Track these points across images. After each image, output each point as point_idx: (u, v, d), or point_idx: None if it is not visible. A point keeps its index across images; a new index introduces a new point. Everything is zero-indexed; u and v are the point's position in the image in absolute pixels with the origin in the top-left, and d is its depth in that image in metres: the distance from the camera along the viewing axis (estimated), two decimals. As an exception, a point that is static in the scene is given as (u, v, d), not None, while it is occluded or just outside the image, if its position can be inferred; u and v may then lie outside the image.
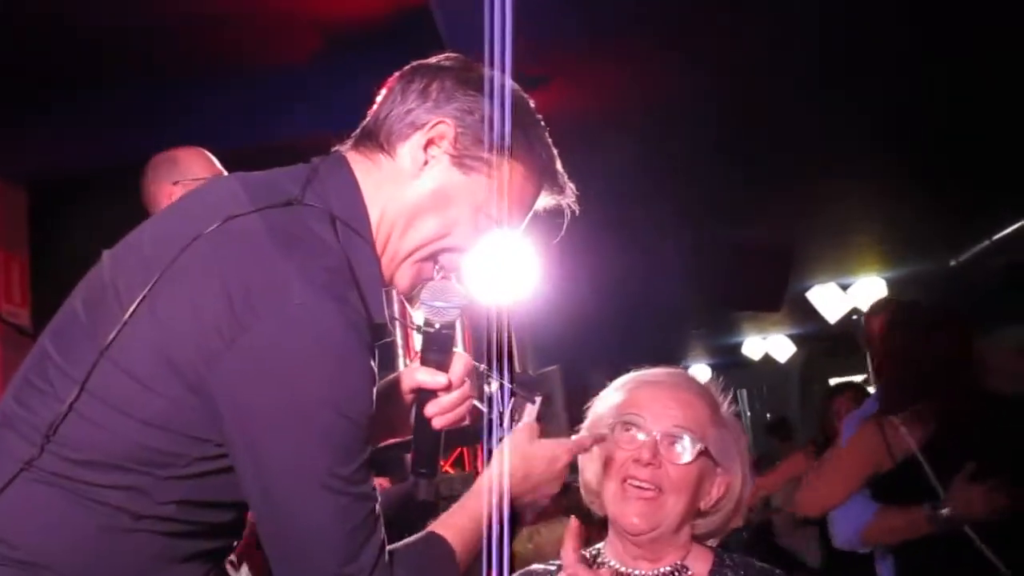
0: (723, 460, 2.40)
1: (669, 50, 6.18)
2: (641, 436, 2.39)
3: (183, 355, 1.69)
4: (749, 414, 19.89)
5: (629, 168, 7.35)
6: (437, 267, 1.95)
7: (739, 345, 17.13)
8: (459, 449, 6.66)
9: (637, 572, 2.38)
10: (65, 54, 5.75)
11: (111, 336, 1.73)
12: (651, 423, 2.38)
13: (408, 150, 1.87)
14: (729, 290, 10.39)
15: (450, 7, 5.66)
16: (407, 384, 2.05)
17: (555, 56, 6.07)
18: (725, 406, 2.51)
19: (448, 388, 1.99)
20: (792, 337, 16.80)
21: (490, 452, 2.50)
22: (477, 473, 2.46)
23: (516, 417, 2.19)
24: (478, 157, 1.85)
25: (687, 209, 8.90)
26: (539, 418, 2.22)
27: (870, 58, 6.32)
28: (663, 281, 10.18)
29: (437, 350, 1.94)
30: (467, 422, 2.03)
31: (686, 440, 2.35)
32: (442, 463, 7.00)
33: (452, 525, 1.90)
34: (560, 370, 5.97)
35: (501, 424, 2.29)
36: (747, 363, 17.60)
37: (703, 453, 2.36)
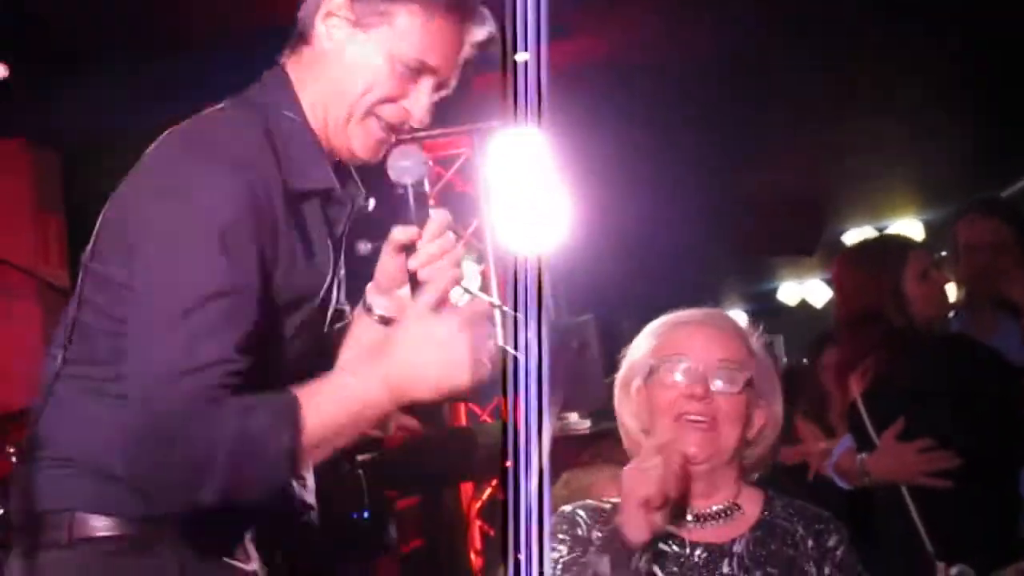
0: (764, 390, 2.49)
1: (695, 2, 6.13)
2: (687, 374, 2.45)
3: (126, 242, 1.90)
4: (785, 360, 19.85)
5: (658, 116, 7.32)
6: (383, 124, 2.02)
7: (774, 291, 17.04)
8: (497, 399, 6.69)
9: (691, 510, 2.46)
10: (98, 17, 5.76)
11: (90, 244, 1.99)
12: (696, 359, 2.45)
13: (317, 31, 2.00)
14: (763, 235, 10.34)
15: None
16: (391, 245, 2.09)
17: (576, 5, 6.03)
18: (755, 339, 2.53)
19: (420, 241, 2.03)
20: (829, 282, 16.69)
21: (526, 401, 2.51)
22: (516, 423, 2.48)
23: (553, 365, 2.20)
24: (375, 12, 1.94)
25: (719, 155, 8.85)
26: (576, 366, 2.24)
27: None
28: (695, 227, 10.15)
29: (410, 208, 2.00)
30: (453, 275, 2.01)
31: (733, 371, 2.43)
32: (480, 412, 7.06)
33: (312, 392, 1.86)
34: (595, 318, 5.98)
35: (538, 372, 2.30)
36: (783, 309, 17.53)
37: (749, 383, 2.45)
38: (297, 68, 2.05)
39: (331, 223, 2.07)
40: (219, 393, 1.76)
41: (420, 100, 2.03)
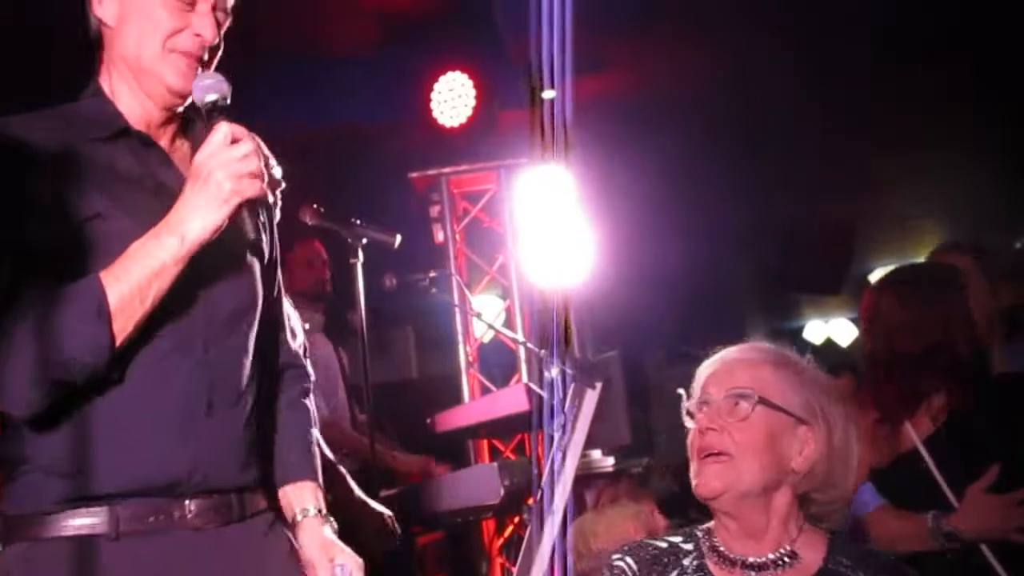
0: (802, 413, 2.33)
1: (726, 31, 6.14)
2: (700, 409, 2.38)
3: None
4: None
5: (685, 151, 7.32)
6: (182, 53, 2.11)
7: (800, 329, 16.98)
8: (520, 435, 6.68)
9: (742, 558, 2.33)
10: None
11: None
12: (713, 393, 2.37)
13: (97, 23, 2.17)
14: (789, 272, 10.30)
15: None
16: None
17: (610, 41, 6.05)
18: (804, 362, 2.41)
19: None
20: (855, 321, 16.61)
21: (550, 438, 2.51)
22: (539, 459, 2.46)
23: (577, 404, 2.19)
24: None
25: (745, 191, 8.84)
26: (599, 403, 2.21)
27: (932, 37, 6.24)
28: (721, 264, 10.13)
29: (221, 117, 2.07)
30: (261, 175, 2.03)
31: (744, 398, 2.32)
32: (503, 448, 7.05)
33: (118, 265, 1.98)
34: (619, 355, 5.96)
35: (562, 409, 2.29)
36: (808, 347, 17.44)
37: (766, 406, 2.30)
38: (101, 70, 2.19)
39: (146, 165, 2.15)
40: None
41: (204, 20, 2.11)
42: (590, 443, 5.14)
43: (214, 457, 2.10)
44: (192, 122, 2.21)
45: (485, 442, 6.97)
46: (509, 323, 7.07)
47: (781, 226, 9.85)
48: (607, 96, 6.75)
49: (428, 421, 5.08)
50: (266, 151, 2.13)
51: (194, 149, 2.09)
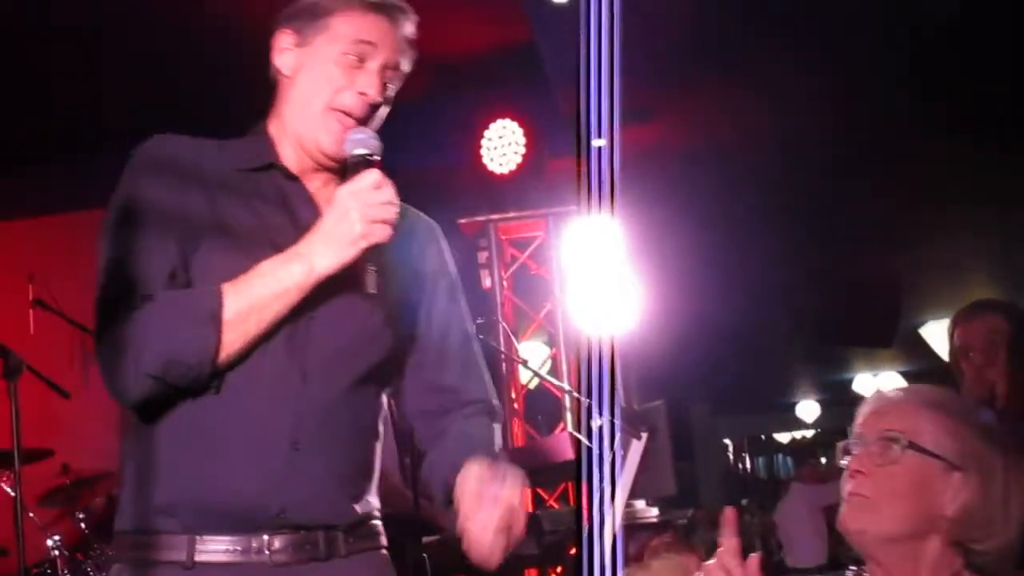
0: (956, 459, 2.21)
1: (775, 82, 6.14)
2: (847, 452, 2.32)
3: None
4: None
5: (733, 202, 7.30)
6: (343, 115, 2.15)
7: (849, 382, 16.83)
8: (564, 484, 6.64)
9: None
10: (179, 86, 5.91)
11: None
12: (865, 434, 2.31)
13: (276, 71, 2.25)
14: (839, 325, 10.22)
15: (554, 43, 5.70)
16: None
17: (659, 91, 6.06)
18: (965, 405, 2.32)
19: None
20: (905, 374, 16.44)
21: (595, 487, 2.49)
22: (583, 509, 2.44)
23: (623, 453, 2.18)
24: (312, 27, 2.18)
25: (794, 242, 8.80)
26: (644, 453, 2.20)
27: (987, 96, 6.21)
28: (769, 315, 10.07)
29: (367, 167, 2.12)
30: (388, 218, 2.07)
31: (894, 442, 2.25)
32: (547, 497, 7.02)
33: (242, 280, 2.03)
34: (665, 405, 5.92)
35: (608, 459, 2.28)
36: (857, 400, 17.26)
37: (917, 451, 2.20)
38: (270, 114, 2.28)
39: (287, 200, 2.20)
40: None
41: (370, 79, 2.15)
42: (635, 493, 5.11)
43: (299, 494, 2.07)
44: (343, 172, 2.21)
45: (529, 490, 6.94)
46: (555, 371, 7.06)
47: (829, 278, 9.79)
48: (656, 146, 6.77)
49: (473, 468, 5.05)
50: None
51: None
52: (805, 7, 5.45)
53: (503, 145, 6.48)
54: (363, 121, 2.15)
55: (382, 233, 2.02)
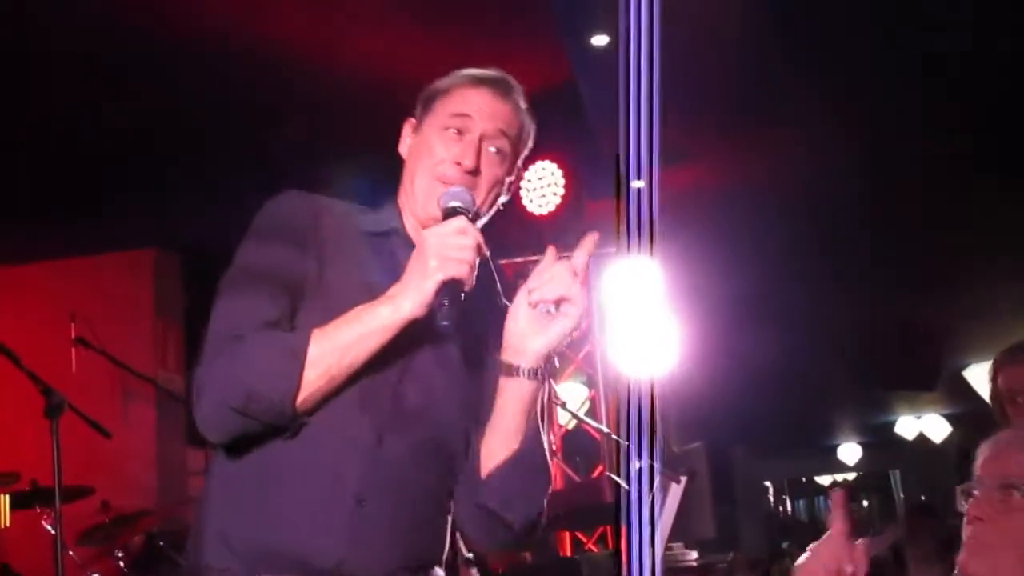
0: None
1: (815, 125, 6.12)
2: (976, 494, 2.28)
3: None
4: (902, 495, 19.27)
5: (773, 243, 7.27)
6: (442, 181, 2.24)
7: (891, 424, 16.67)
8: (603, 527, 6.59)
9: None
10: (219, 127, 5.96)
11: None
12: (985, 479, 2.27)
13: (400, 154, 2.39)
14: (882, 369, 10.13)
15: (593, 85, 5.72)
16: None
17: (699, 132, 6.06)
18: None
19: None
20: (948, 417, 16.27)
21: (634, 531, 2.47)
22: (623, 552, 2.42)
23: (662, 495, 2.16)
24: (425, 111, 2.34)
25: (835, 284, 8.75)
26: (683, 496, 2.17)
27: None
28: (810, 357, 9.99)
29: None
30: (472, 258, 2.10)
31: (1015, 488, 2.20)
32: (586, 540, 6.97)
33: (331, 324, 2.07)
34: (704, 447, 5.88)
35: (647, 502, 2.26)
36: (900, 443, 17.10)
37: None
38: (399, 192, 2.38)
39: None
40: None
41: (465, 149, 2.24)
42: (674, 536, 5.07)
43: (359, 549, 2.07)
44: None
45: (567, 533, 6.90)
46: (593, 412, 7.03)
47: (872, 320, 9.71)
48: (694, 187, 6.76)
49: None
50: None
51: None
52: (842, 48, 5.45)
53: (542, 186, 6.49)
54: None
55: (457, 269, 2.03)
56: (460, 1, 5.18)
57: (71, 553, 5.45)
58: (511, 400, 2.16)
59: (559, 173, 6.47)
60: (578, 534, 6.94)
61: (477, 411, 2.22)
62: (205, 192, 6.39)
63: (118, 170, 6.24)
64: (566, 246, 7.30)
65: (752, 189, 6.99)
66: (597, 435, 6.84)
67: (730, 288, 7.61)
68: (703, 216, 6.64)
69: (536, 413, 2.20)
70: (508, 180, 2.34)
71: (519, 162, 2.36)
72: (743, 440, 16.54)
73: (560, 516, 5.06)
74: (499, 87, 2.33)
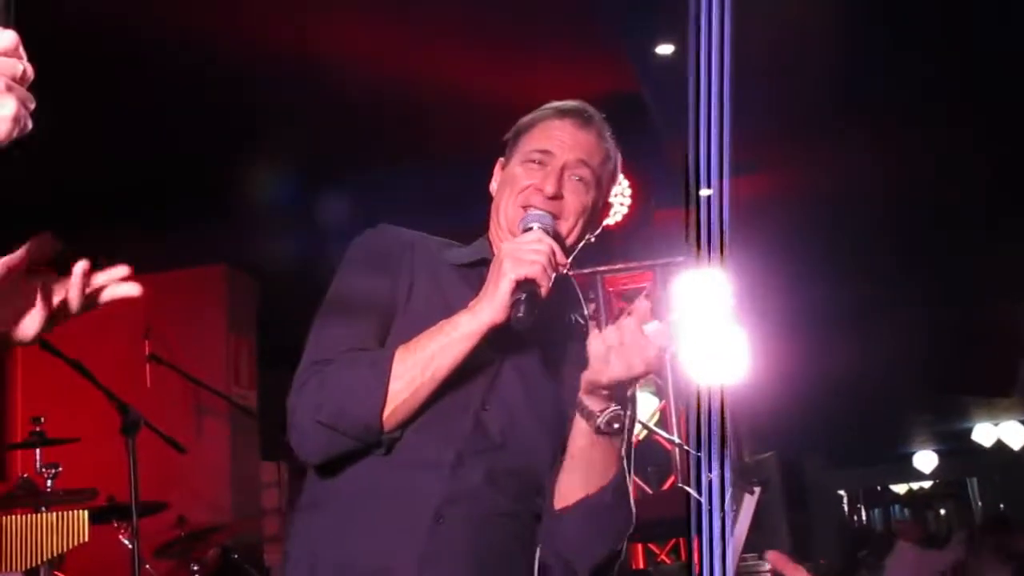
0: None
1: (888, 130, 6.06)
2: None
3: None
4: (980, 504, 18.97)
5: (846, 251, 7.19)
6: (523, 206, 2.30)
7: (968, 431, 16.41)
8: (676, 539, 6.55)
9: None
10: (294, 150, 6.02)
11: None
12: None
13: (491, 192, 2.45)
14: (958, 374, 9.99)
15: (660, 94, 5.70)
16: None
17: (770, 141, 6.02)
18: None
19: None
20: (1032, 423, 16.00)
21: (707, 542, 2.45)
22: (696, 565, 2.40)
23: (735, 507, 2.14)
24: (511, 147, 2.40)
25: (909, 290, 8.63)
26: (757, 506, 2.14)
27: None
28: (884, 365, 9.87)
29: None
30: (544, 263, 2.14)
31: None
32: (659, 552, 6.93)
33: (414, 338, 2.12)
34: (776, 457, 5.84)
35: (720, 513, 2.24)
36: (977, 450, 16.84)
37: None
38: (491, 227, 2.43)
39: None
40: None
41: (547, 177, 2.29)
42: (748, 547, 5.02)
43: (437, 568, 2.08)
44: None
45: (639, 545, 6.86)
46: (664, 423, 6.99)
47: (947, 326, 9.57)
48: (766, 196, 6.71)
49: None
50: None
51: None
52: (914, 57, 5.39)
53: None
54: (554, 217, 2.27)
55: (530, 269, 2.07)
56: (525, 13, 5.19)
57: (148, 567, 5.52)
58: (587, 440, 2.13)
59: (626, 183, 6.43)
60: (651, 546, 6.90)
61: (561, 434, 2.20)
62: (274, 209, 6.46)
63: (191, 186, 6.33)
64: (634, 256, 7.27)
65: (823, 197, 6.92)
66: (668, 446, 6.80)
67: (802, 296, 7.54)
68: (774, 225, 6.58)
69: (620, 451, 2.18)
70: (598, 207, 2.38)
71: (608, 194, 2.41)
72: (816, 449, 16.37)
73: (633, 528, 5.04)
74: (579, 118, 2.38)
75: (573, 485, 2.17)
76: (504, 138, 2.42)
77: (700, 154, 2.09)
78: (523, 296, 2.04)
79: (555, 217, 2.26)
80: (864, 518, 22.44)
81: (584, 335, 2.21)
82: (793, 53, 5.32)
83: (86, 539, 4.68)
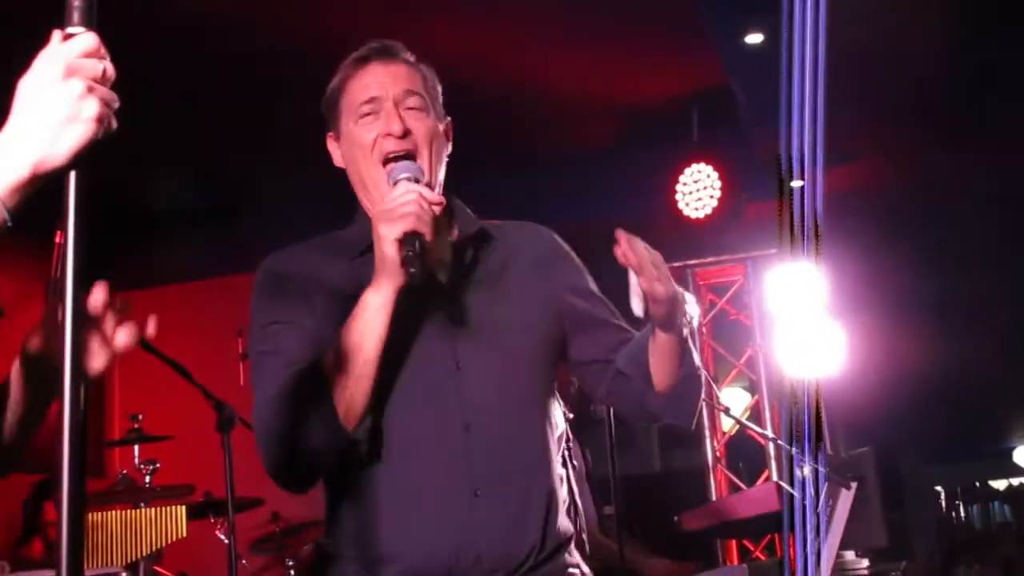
0: None
1: (992, 127, 5.93)
2: None
3: None
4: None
5: (945, 243, 7.06)
6: (386, 161, 2.26)
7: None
8: (770, 535, 6.48)
9: None
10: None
11: None
12: None
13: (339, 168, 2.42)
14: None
15: (749, 85, 5.63)
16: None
17: (867, 133, 5.91)
18: None
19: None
20: None
21: (803, 538, 2.42)
22: (791, 561, 2.38)
23: (831, 503, 2.10)
24: (333, 117, 2.36)
25: (1006, 284, 8.44)
26: (852, 502, 2.10)
27: None
28: (983, 359, 9.67)
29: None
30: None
31: None
32: (753, 548, 6.86)
33: (335, 337, 2.12)
34: (872, 452, 5.73)
35: (815, 509, 2.21)
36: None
37: None
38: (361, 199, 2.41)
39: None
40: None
41: (388, 119, 2.25)
42: (844, 544, 4.95)
43: (486, 539, 2.10)
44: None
45: (734, 541, 6.80)
46: (757, 418, 6.92)
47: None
48: (861, 187, 6.60)
49: (675, 519, 5.00)
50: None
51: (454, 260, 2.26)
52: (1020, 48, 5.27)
53: (698, 189, 6.39)
54: (412, 155, 2.24)
55: (404, 223, 2.06)
56: (611, 6, 5.16)
57: (244, 562, 5.60)
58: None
59: (715, 176, 6.35)
60: (745, 542, 6.84)
61: (550, 332, 2.29)
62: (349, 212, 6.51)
63: (279, 185, 6.41)
64: (724, 249, 7.21)
65: (922, 188, 6.79)
66: (762, 441, 6.73)
67: (899, 289, 7.41)
68: (870, 217, 6.47)
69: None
70: (442, 127, 2.32)
71: (441, 111, 2.35)
72: (913, 444, 16.11)
73: (727, 524, 5.00)
74: (383, 55, 2.34)
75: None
76: (321, 111, 2.38)
77: (792, 145, 2.06)
78: (409, 252, 2.03)
79: (414, 157, 2.23)
80: (963, 515, 22.02)
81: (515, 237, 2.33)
82: (896, 37, 5.21)
83: (184, 534, 4.76)
